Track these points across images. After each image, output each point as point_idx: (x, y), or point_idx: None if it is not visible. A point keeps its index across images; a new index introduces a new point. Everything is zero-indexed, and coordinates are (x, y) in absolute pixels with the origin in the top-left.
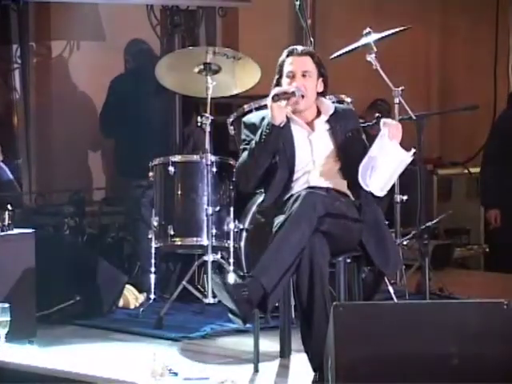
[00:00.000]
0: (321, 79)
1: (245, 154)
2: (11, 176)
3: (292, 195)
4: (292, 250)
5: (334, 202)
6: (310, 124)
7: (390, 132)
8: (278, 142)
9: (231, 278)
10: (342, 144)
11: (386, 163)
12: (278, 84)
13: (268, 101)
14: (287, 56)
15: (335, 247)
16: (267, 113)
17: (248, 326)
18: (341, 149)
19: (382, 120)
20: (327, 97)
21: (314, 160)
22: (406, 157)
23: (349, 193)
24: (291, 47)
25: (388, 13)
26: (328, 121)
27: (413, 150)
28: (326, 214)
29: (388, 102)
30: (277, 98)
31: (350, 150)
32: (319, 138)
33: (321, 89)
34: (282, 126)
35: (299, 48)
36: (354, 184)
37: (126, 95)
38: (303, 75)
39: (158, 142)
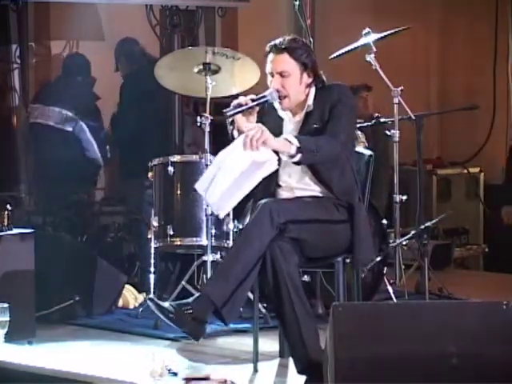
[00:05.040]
0: (306, 71)
1: None
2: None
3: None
4: (245, 264)
5: (299, 208)
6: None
7: (246, 142)
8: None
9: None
10: None
11: (224, 175)
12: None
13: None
14: (268, 53)
15: (321, 251)
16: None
17: (247, 325)
18: None
19: (248, 129)
20: None
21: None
22: (265, 163)
23: (320, 191)
24: (272, 43)
25: (388, 13)
26: (302, 120)
27: (275, 161)
28: (288, 221)
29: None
30: (230, 113)
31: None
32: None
33: (309, 80)
34: None
35: (277, 44)
36: (327, 182)
37: (132, 96)
38: (281, 75)
39: (158, 142)
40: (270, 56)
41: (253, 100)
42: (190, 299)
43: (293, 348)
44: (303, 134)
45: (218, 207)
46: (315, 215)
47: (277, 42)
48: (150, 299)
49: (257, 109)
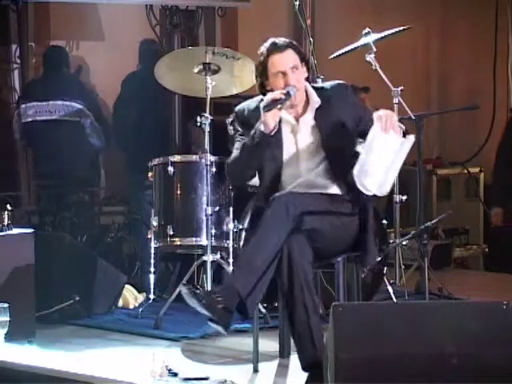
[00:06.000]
0: (306, 65)
1: (236, 152)
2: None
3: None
4: (265, 257)
5: (313, 200)
6: (299, 118)
7: (382, 124)
8: (269, 147)
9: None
10: (326, 138)
11: (377, 161)
12: (263, 86)
13: (261, 112)
14: (269, 55)
15: (330, 246)
16: (258, 102)
17: (247, 325)
18: (326, 144)
19: (374, 114)
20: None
21: (298, 156)
22: (405, 142)
23: (335, 188)
24: (268, 45)
25: (388, 13)
26: (314, 117)
27: (412, 136)
28: (304, 212)
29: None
30: (267, 108)
31: (336, 143)
32: (304, 133)
33: (306, 73)
34: (274, 132)
35: (278, 43)
36: (340, 178)
37: (134, 94)
38: (293, 70)
39: (158, 142)
40: (274, 56)
41: (284, 94)
42: (218, 288)
43: (300, 343)
44: (324, 128)
45: (379, 192)
46: (329, 207)
47: (276, 41)
48: (184, 284)
49: (288, 103)
